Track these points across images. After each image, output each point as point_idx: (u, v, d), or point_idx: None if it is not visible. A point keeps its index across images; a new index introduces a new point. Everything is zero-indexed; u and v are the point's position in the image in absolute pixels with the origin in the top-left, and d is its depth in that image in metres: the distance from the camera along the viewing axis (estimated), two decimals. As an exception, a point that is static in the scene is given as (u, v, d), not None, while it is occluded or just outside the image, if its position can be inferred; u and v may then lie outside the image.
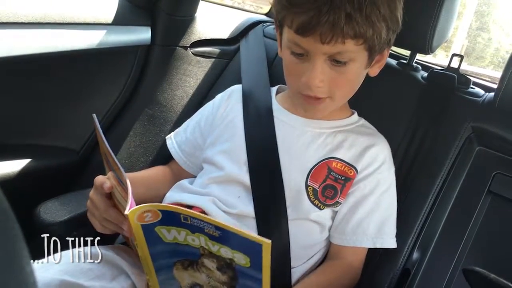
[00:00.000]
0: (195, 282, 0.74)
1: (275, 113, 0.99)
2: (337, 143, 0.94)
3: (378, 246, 0.92)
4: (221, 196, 0.91)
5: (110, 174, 0.78)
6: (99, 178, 0.79)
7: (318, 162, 0.92)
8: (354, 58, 0.83)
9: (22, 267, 0.25)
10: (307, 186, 0.91)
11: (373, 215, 0.93)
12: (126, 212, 0.64)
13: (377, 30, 0.80)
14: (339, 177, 0.92)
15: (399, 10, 0.84)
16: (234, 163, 0.94)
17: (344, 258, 0.93)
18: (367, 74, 0.93)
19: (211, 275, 0.72)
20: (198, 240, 0.68)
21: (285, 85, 1.07)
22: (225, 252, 0.67)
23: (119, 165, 0.68)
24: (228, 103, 1.05)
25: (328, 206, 0.91)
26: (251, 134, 0.96)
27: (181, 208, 0.66)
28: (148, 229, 0.67)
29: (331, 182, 0.91)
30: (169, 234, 0.68)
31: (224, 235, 0.64)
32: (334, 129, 0.96)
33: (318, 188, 0.91)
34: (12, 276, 0.24)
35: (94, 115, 0.75)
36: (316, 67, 0.82)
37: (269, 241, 0.60)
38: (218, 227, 0.63)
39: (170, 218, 0.66)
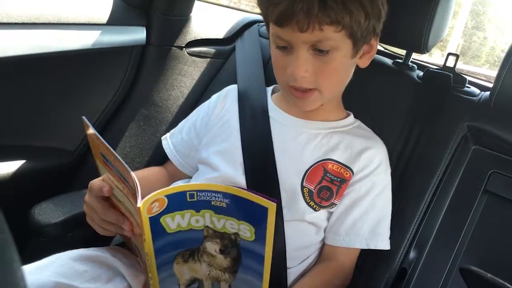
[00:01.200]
0: (195, 276, 0.74)
1: (270, 114, 0.98)
2: (333, 145, 0.94)
3: (371, 247, 0.92)
4: (217, 197, 0.90)
5: (106, 176, 0.78)
6: (95, 183, 0.79)
7: (314, 163, 0.92)
8: (337, 47, 0.83)
9: (13, 272, 0.25)
10: (302, 187, 0.90)
11: (367, 216, 0.93)
12: (139, 204, 0.63)
13: (355, 17, 0.80)
14: (335, 178, 0.92)
15: None
16: (230, 164, 0.94)
17: (336, 259, 0.93)
18: (359, 68, 0.93)
19: (212, 263, 0.71)
20: (202, 220, 0.68)
21: (279, 84, 1.07)
22: (231, 225, 0.67)
23: (122, 160, 0.67)
24: (224, 104, 1.05)
25: (324, 207, 0.91)
26: (247, 135, 0.96)
27: (186, 185, 0.66)
28: (154, 222, 0.66)
29: (327, 184, 0.91)
30: (172, 223, 0.68)
31: (231, 204, 0.65)
32: (330, 129, 0.96)
33: (314, 189, 0.90)
34: (3, 281, 0.24)
35: (85, 118, 0.73)
36: (299, 57, 0.83)
37: (274, 203, 0.61)
38: (226, 194, 0.64)
39: (176, 201, 0.66)
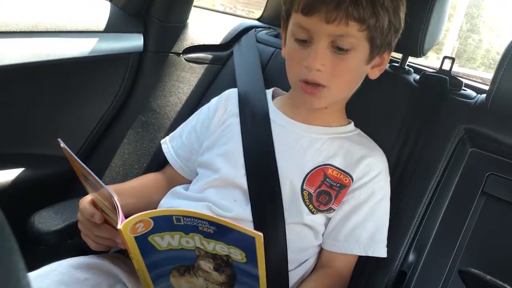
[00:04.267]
0: None
1: (272, 117, 0.99)
2: (333, 150, 0.95)
3: (369, 254, 0.93)
4: (216, 200, 0.90)
5: (95, 194, 0.78)
6: (86, 207, 0.80)
7: (315, 168, 0.92)
8: (356, 47, 0.84)
9: (19, 280, 0.25)
10: (302, 190, 0.91)
11: (366, 223, 0.93)
12: (119, 226, 0.64)
13: (380, 20, 0.82)
14: (334, 184, 0.92)
15: (402, 10, 0.88)
16: (231, 165, 0.94)
17: (335, 266, 0.93)
18: (366, 76, 0.94)
19: (208, 278, 0.71)
20: (192, 241, 0.68)
21: (280, 88, 1.07)
22: (221, 248, 0.67)
23: (102, 183, 0.68)
24: (226, 107, 1.05)
25: (321, 211, 0.91)
26: (248, 138, 0.96)
27: (172, 209, 0.66)
28: (141, 240, 0.67)
29: (326, 188, 0.92)
30: (162, 241, 0.68)
31: (218, 231, 0.64)
32: (331, 135, 0.96)
33: (313, 193, 0.91)
34: (9, 289, 0.24)
35: (60, 140, 0.72)
36: (318, 50, 0.84)
37: (261, 234, 0.61)
38: (212, 223, 0.64)
39: (163, 223, 0.66)
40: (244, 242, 0.64)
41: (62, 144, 0.72)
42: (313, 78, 0.86)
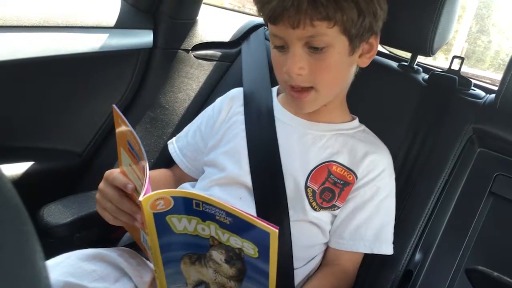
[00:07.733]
0: (201, 279, 0.74)
1: (276, 114, 0.99)
2: (337, 147, 0.95)
3: (375, 251, 0.93)
4: (222, 198, 0.91)
5: (126, 167, 0.77)
6: (118, 176, 0.77)
7: (319, 164, 0.92)
8: (332, 43, 0.83)
9: (35, 262, 0.26)
10: (306, 187, 0.91)
11: (371, 221, 0.93)
12: (140, 198, 0.63)
13: (347, 13, 0.80)
14: (338, 181, 0.92)
15: None
16: (236, 164, 0.94)
17: (340, 264, 0.93)
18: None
19: (218, 270, 0.72)
20: (208, 229, 0.68)
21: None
22: (235, 241, 0.67)
23: (144, 154, 0.67)
24: (230, 106, 1.05)
25: (324, 208, 0.91)
26: (252, 136, 0.96)
27: (194, 193, 0.66)
28: (159, 218, 0.67)
29: (330, 185, 0.92)
30: (179, 224, 0.68)
31: (234, 222, 0.65)
32: (335, 132, 0.96)
33: (317, 190, 0.91)
34: (26, 270, 0.24)
35: (115, 105, 0.73)
36: (293, 54, 0.83)
37: (276, 230, 0.61)
38: (229, 213, 0.64)
39: (182, 205, 0.66)
40: (258, 237, 0.64)
41: (117, 111, 0.72)
42: (296, 83, 0.86)
